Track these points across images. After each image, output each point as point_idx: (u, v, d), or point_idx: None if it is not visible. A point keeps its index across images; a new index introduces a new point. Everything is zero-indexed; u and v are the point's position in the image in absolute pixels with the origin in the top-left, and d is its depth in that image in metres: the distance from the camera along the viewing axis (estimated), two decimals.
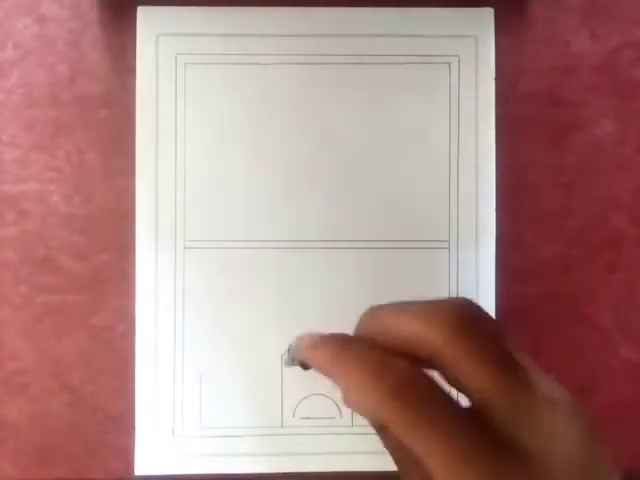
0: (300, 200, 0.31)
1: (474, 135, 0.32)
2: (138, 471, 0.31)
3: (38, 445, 0.31)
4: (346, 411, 0.31)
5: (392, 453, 0.21)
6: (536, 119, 0.32)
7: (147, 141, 0.31)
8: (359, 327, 0.21)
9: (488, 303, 0.31)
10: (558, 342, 0.32)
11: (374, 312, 0.21)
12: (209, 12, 0.31)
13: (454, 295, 0.31)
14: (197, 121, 0.31)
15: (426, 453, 0.17)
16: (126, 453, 0.31)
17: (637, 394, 0.32)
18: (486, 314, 0.20)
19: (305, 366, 0.22)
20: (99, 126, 0.32)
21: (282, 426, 0.31)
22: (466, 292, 0.31)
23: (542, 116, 0.32)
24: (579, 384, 0.32)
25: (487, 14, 0.32)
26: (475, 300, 0.20)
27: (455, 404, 0.18)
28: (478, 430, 0.17)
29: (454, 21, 0.32)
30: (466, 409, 0.18)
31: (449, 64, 0.32)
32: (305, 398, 0.31)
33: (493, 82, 0.32)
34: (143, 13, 0.31)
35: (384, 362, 0.18)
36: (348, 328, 0.21)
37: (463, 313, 0.19)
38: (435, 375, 0.19)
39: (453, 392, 0.18)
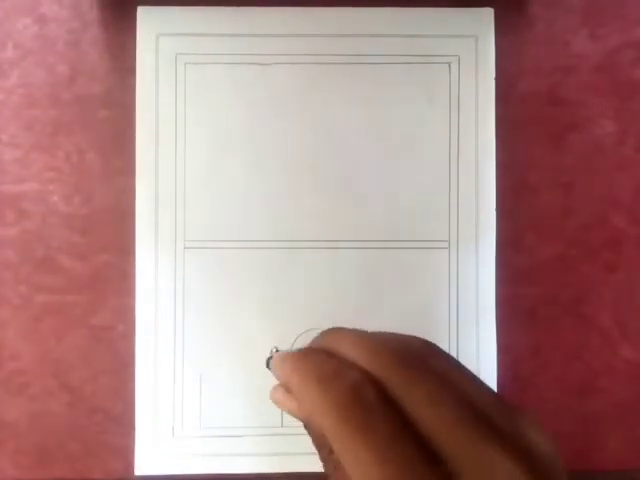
0: (300, 200, 0.31)
1: (474, 135, 0.32)
2: (138, 471, 0.31)
3: (38, 445, 0.31)
4: None
5: (319, 452, 0.21)
6: (536, 119, 0.32)
7: (147, 141, 0.31)
8: (319, 338, 0.22)
9: (488, 303, 0.31)
10: (558, 342, 0.32)
11: (337, 329, 0.22)
12: (209, 12, 0.31)
13: (454, 296, 0.31)
14: (197, 121, 0.31)
15: (353, 470, 0.17)
16: (126, 453, 0.31)
17: (637, 394, 0.32)
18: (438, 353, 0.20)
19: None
20: (99, 126, 0.32)
21: (282, 426, 0.31)
22: (466, 292, 0.31)
23: (542, 116, 0.32)
24: (579, 384, 0.32)
25: (487, 14, 0.32)
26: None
27: (398, 425, 0.18)
28: (412, 455, 0.17)
29: (454, 21, 0.32)
30: (407, 432, 0.18)
31: (449, 64, 0.32)
32: None
33: (493, 82, 0.32)
34: (143, 13, 0.31)
35: (337, 370, 0.19)
36: (348, 327, 0.21)
37: (410, 347, 0.20)
38: None
39: None
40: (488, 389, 0.20)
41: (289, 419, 0.31)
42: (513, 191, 0.32)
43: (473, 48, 0.32)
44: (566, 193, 0.32)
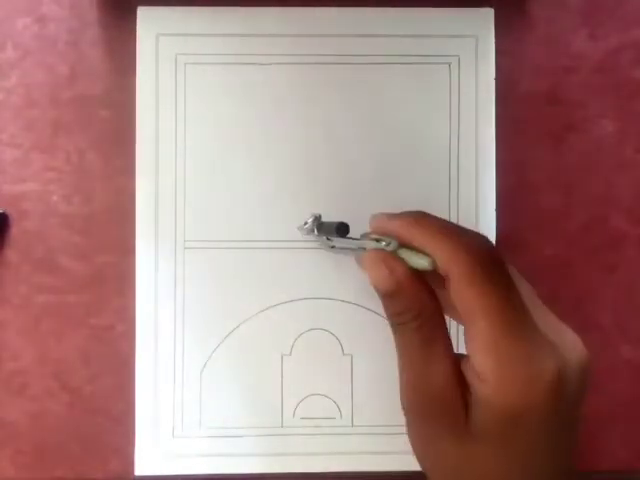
0: (300, 200, 0.31)
1: (474, 135, 0.32)
2: (138, 471, 0.31)
3: (38, 445, 0.31)
4: (346, 411, 0.31)
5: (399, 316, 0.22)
6: (536, 119, 0.32)
7: (147, 141, 0.31)
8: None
9: None
10: None
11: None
12: (209, 12, 0.31)
13: None
14: (197, 121, 0.31)
15: (476, 311, 0.20)
16: (126, 453, 0.31)
17: (637, 394, 0.32)
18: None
19: (341, 232, 0.26)
20: (99, 126, 0.32)
21: (282, 426, 0.31)
22: None
23: (542, 116, 0.32)
24: None
25: (487, 14, 0.32)
26: None
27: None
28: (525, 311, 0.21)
29: (454, 21, 0.32)
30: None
31: (449, 64, 0.32)
32: (305, 398, 0.31)
33: (493, 82, 0.32)
34: (143, 13, 0.31)
35: (461, 230, 0.22)
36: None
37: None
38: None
39: None
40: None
41: (289, 419, 0.31)
42: (513, 191, 0.32)
43: (473, 48, 0.32)
44: (566, 193, 0.32)
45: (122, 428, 0.31)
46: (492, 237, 0.31)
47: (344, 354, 0.31)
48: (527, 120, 0.32)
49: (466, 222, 0.31)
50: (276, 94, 0.31)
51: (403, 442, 0.24)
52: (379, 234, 0.23)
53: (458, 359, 0.21)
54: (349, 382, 0.31)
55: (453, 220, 0.31)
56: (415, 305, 0.21)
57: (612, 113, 0.32)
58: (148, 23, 0.31)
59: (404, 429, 0.23)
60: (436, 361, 0.21)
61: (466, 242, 0.21)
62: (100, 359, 0.31)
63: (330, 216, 0.31)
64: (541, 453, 0.20)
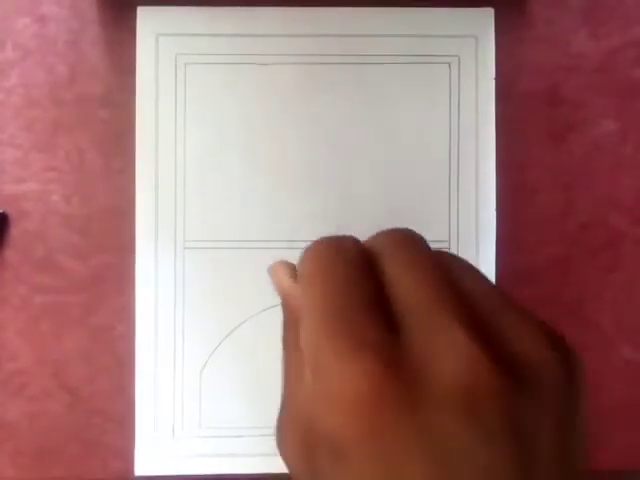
0: (300, 200, 0.31)
1: (474, 135, 0.32)
2: (138, 471, 0.31)
3: (37, 445, 0.31)
4: None
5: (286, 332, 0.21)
6: (536, 119, 0.32)
7: (147, 141, 0.31)
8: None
9: None
10: None
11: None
12: (209, 12, 0.31)
13: None
14: (197, 121, 0.31)
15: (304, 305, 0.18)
16: (126, 453, 0.31)
17: (637, 394, 0.32)
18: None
19: None
20: (99, 126, 0.32)
21: None
22: None
23: (542, 116, 0.32)
24: None
25: (487, 14, 0.32)
26: None
27: (366, 282, 0.17)
28: (362, 305, 0.17)
29: (454, 21, 0.32)
30: (371, 293, 0.17)
31: (449, 64, 0.32)
32: None
33: (493, 82, 0.32)
34: (143, 13, 0.31)
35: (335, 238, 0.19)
36: None
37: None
38: None
39: None
40: (493, 286, 0.19)
41: None
42: (513, 191, 0.32)
43: (473, 48, 0.32)
44: (566, 193, 0.32)
45: (122, 428, 0.31)
46: (492, 237, 0.31)
47: None
48: (527, 120, 0.32)
49: (466, 222, 0.31)
50: (276, 94, 0.31)
51: None
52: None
53: None
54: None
55: (453, 220, 0.31)
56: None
57: (612, 113, 0.32)
58: (148, 23, 0.31)
59: None
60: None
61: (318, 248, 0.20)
62: (100, 359, 0.31)
63: (330, 216, 0.31)
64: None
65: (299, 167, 0.31)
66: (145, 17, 0.31)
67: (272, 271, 0.21)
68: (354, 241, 0.19)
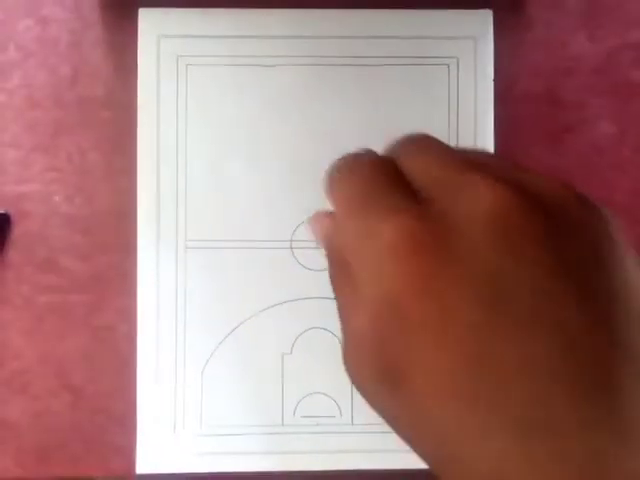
0: (301, 200, 0.31)
1: (473, 136, 0.32)
2: (139, 469, 0.31)
3: (40, 444, 0.32)
4: (346, 410, 0.31)
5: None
6: (535, 120, 0.32)
7: (148, 142, 0.31)
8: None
9: None
10: None
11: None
12: (210, 14, 0.31)
13: None
14: (198, 122, 0.31)
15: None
16: (127, 452, 0.31)
17: None
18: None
19: None
20: (101, 127, 0.32)
21: (283, 425, 0.31)
22: None
23: (541, 117, 0.32)
24: None
25: (486, 16, 0.32)
26: None
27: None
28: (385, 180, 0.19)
29: (453, 23, 0.32)
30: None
31: (448, 65, 0.32)
32: (306, 397, 0.31)
33: (492, 83, 0.32)
34: (144, 15, 0.31)
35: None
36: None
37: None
38: None
39: None
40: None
41: (290, 418, 0.31)
42: None
43: (472, 50, 0.32)
44: None
45: (124, 427, 0.31)
46: None
47: None
48: (526, 121, 0.32)
49: None
50: (277, 95, 0.32)
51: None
52: None
53: None
54: (349, 381, 0.31)
55: None
56: None
57: (611, 114, 0.32)
58: (149, 24, 0.31)
59: None
60: None
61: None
62: (102, 358, 0.32)
63: None
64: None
65: (300, 167, 0.32)
66: (147, 19, 0.31)
67: (311, 221, 0.23)
68: (371, 150, 0.21)
